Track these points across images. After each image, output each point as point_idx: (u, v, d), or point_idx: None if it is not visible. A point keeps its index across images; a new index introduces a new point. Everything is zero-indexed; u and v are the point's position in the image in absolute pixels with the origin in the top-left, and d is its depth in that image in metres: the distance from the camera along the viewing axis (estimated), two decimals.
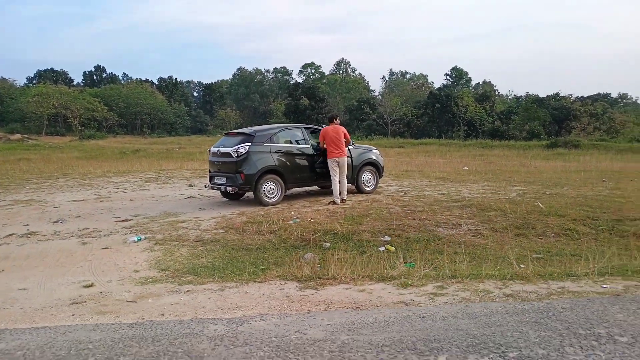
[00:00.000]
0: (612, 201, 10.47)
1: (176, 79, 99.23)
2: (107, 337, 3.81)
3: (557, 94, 63.57)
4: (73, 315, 4.50)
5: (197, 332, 3.89)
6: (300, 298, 4.85)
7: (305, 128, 11.80)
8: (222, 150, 10.94)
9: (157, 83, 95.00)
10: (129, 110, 77.33)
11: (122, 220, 9.53)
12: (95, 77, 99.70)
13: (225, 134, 12.49)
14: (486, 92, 70.83)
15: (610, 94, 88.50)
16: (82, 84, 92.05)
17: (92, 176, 17.87)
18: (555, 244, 7.85)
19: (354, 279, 5.47)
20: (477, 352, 3.36)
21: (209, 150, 11.66)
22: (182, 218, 9.62)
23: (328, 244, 7.65)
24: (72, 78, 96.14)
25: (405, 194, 11.85)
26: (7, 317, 4.48)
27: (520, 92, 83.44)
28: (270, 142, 10.80)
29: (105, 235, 8.33)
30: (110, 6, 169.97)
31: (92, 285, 5.59)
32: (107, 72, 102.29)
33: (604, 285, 5.02)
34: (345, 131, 10.91)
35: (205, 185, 11.94)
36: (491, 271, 5.71)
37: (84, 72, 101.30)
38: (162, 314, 4.43)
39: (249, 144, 10.55)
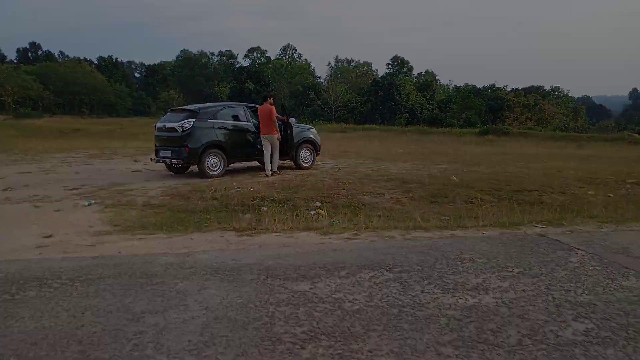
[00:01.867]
0: (517, 177, 11.96)
1: (117, 58, 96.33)
2: (74, 265, 4.63)
3: (493, 85, 67.00)
4: (40, 254, 5.25)
5: (151, 261, 4.77)
6: (238, 242, 5.79)
7: (247, 107, 12.64)
8: (168, 125, 11.60)
9: (96, 62, 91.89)
10: (66, 90, 74.68)
11: (71, 189, 10.07)
12: (30, 55, 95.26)
13: (170, 110, 13.12)
14: (427, 82, 73.50)
15: (543, 86, 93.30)
16: (15, 61, 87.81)
17: (34, 152, 17.94)
18: (461, 210, 9.13)
19: (285, 230, 6.46)
20: (370, 269, 4.44)
21: (155, 126, 12.28)
22: (129, 187, 10.26)
23: (265, 208, 8.56)
24: (5, 55, 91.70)
25: (339, 169, 12.94)
26: None
27: (460, 83, 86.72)
28: (213, 119, 11.57)
29: (56, 201, 8.90)
30: None
31: (51, 236, 6.28)
32: (43, 50, 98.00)
33: (484, 232, 6.25)
34: (274, 111, 11.79)
35: (151, 159, 12.58)
36: (399, 225, 6.85)
37: (18, 49, 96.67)
38: (119, 252, 5.26)
39: (194, 119, 11.28)
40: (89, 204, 8.55)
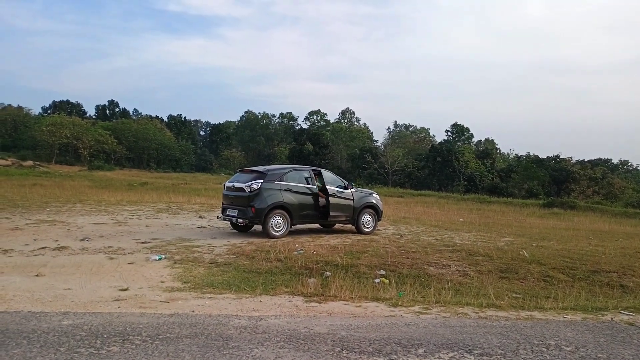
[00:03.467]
0: (593, 255, 11.37)
1: (185, 117, 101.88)
2: (152, 322, 4.72)
3: (558, 156, 65.23)
4: (119, 307, 5.40)
5: (224, 322, 4.80)
6: (307, 307, 5.75)
7: (311, 170, 12.91)
8: (237, 185, 11.97)
9: (166, 120, 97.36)
10: (137, 145, 79.14)
11: (142, 242, 10.44)
12: (107, 111, 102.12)
13: (239, 170, 13.54)
14: (487, 150, 72.70)
15: (611, 159, 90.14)
16: (94, 117, 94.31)
17: (107, 204, 18.85)
18: (533, 288, 8.73)
19: (352, 298, 6.37)
20: (449, 348, 4.27)
21: (224, 185, 12.69)
22: (196, 244, 10.52)
23: (329, 273, 8.53)
24: (86, 110, 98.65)
25: (401, 237, 12.78)
26: (64, 305, 5.38)
27: (521, 152, 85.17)
28: (280, 181, 11.85)
29: (129, 253, 9.23)
30: (125, 44, 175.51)
31: (127, 289, 6.48)
32: (120, 107, 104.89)
33: (566, 316, 5.91)
34: None
35: (217, 216, 12.90)
36: (471, 301, 6.61)
37: (97, 106, 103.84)
38: (193, 311, 5.33)
39: (262, 180, 11.59)
40: (160, 258, 8.81)
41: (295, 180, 12.26)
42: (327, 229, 13.68)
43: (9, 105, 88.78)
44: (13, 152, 65.60)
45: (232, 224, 12.58)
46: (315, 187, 12.40)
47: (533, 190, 52.95)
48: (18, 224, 12.35)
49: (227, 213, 12.12)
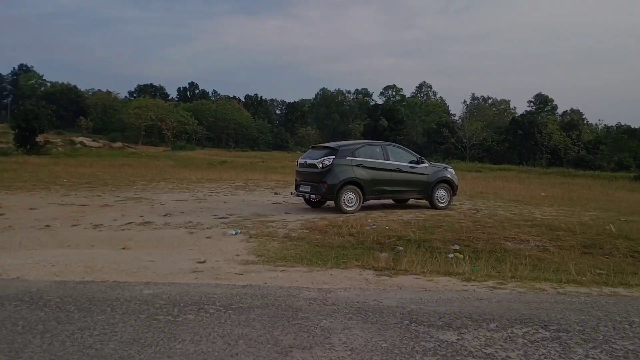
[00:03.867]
0: None
1: (261, 97, 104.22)
2: (226, 292, 4.92)
3: None
4: (196, 278, 5.67)
5: (295, 294, 4.91)
6: (377, 281, 5.75)
7: (385, 145, 12.77)
8: (309, 161, 12.10)
9: (243, 100, 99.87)
10: (216, 125, 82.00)
11: (220, 218, 10.86)
12: (188, 93, 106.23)
13: (312, 147, 13.66)
14: (573, 121, 68.52)
15: None
16: (176, 99, 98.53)
17: (188, 182, 19.76)
18: (620, 264, 8.19)
19: (424, 272, 6.29)
20: (523, 324, 4.12)
21: (297, 161, 12.88)
22: (270, 219, 10.79)
23: (401, 248, 8.45)
24: (168, 93, 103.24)
25: (477, 211, 12.41)
26: (146, 276, 5.73)
27: (611, 122, 79.44)
28: (352, 157, 11.83)
29: (207, 228, 9.64)
30: (206, 28, 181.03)
31: (204, 262, 6.79)
32: (199, 89, 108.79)
33: None
34: None
35: (291, 192, 13.16)
36: (549, 276, 6.32)
37: (179, 88, 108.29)
38: (265, 282, 5.50)
39: (333, 157, 11.64)
40: (236, 233, 9.12)
41: (367, 155, 12.19)
42: (401, 204, 13.54)
43: (99, 90, 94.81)
44: (104, 135, 70.24)
45: (305, 199, 12.76)
46: (387, 162, 12.28)
47: (624, 162, 49.34)
48: (108, 201, 13.25)
49: (301, 189, 12.33)
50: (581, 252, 8.69)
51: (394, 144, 13.61)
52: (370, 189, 11.94)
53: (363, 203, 11.98)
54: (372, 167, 12.04)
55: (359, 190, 11.74)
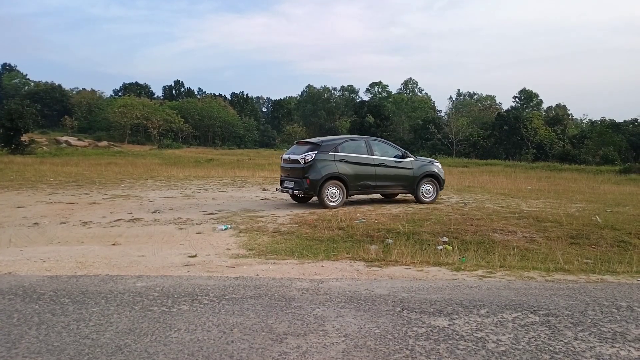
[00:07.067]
0: None
1: (247, 94, 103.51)
2: (219, 284, 4.95)
3: (636, 120, 61.18)
4: (188, 271, 5.69)
5: (287, 285, 4.94)
6: (368, 272, 5.81)
7: (369, 140, 12.81)
8: (292, 157, 12.14)
9: (229, 98, 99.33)
10: (202, 123, 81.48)
11: (209, 214, 10.85)
12: (174, 91, 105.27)
13: (296, 142, 13.67)
14: (558, 116, 69.22)
15: None
16: (162, 97, 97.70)
17: (176, 179, 19.66)
18: (606, 253, 8.35)
19: (414, 262, 6.37)
20: (512, 309, 4.20)
21: (282, 157, 12.90)
22: (260, 214, 10.80)
23: (390, 240, 8.53)
24: (154, 91, 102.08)
25: (465, 205, 12.53)
26: (138, 270, 5.73)
27: (596, 117, 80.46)
28: (335, 152, 11.87)
29: (197, 224, 9.63)
30: (191, 26, 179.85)
31: (195, 256, 6.79)
32: (185, 87, 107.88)
33: None
34: None
35: (276, 188, 13.15)
36: (538, 265, 6.43)
37: (164, 86, 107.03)
38: (257, 274, 5.53)
39: (316, 152, 11.67)
40: (226, 228, 9.13)
41: (350, 150, 12.20)
42: (389, 199, 13.60)
43: (84, 89, 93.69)
44: (89, 134, 69.47)
45: (291, 195, 12.77)
46: (371, 157, 12.31)
47: (608, 156, 49.99)
48: (96, 198, 13.16)
49: (285, 185, 12.33)
50: (568, 243, 8.84)
51: (378, 138, 13.66)
52: (354, 184, 11.97)
53: (347, 198, 12.02)
54: (355, 162, 12.06)
55: (342, 186, 11.77)
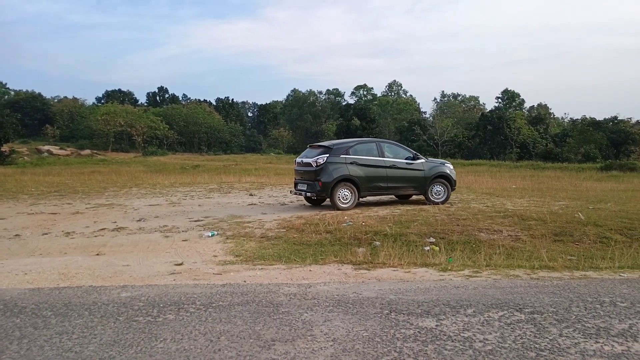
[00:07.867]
0: None
1: (232, 99, 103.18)
2: (205, 291, 4.91)
3: (616, 118, 62.04)
4: (174, 280, 5.64)
5: (274, 290, 4.92)
6: (356, 275, 5.81)
7: (380, 142, 12.93)
8: (305, 160, 12.32)
9: (214, 103, 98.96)
10: (187, 129, 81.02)
11: (195, 220, 10.78)
12: (158, 98, 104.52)
13: (309, 146, 13.75)
14: (540, 115, 70.04)
15: None
16: (146, 104, 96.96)
17: (161, 186, 19.51)
18: (589, 249, 8.45)
19: (401, 264, 6.38)
20: (499, 308, 4.23)
21: (295, 160, 13.08)
22: (247, 220, 10.76)
23: (378, 243, 8.55)
24: (137, 98, 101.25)
25: (451, 205, 12.60)
26: (122, 280, 5.67)
27: (577, 115, 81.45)
28: (346, 154, 12.01)
29: (183, 231, 9.56)
30: (174, 32, 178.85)
31: (181, 264, 6.74)
32: (169, 93, 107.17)
33: (622, 274, 5.71)
34: None
35: (290, 191, 13.31)
36: (523, 263, 6.48)
37: (148, 93, 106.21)
38: (244, 281, 5.50)
39: (327, 155, 11.81)
40: (212, 235, 9.08)
41: (361, 153, 12.36)
42: (403, 200, 13.60)
43: (65, 97, 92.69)
44: (71, 142, 68.70)
45: (305, 197, 12.95)
46: (382, 159, 12.41)
47: (590, 154, 50.71)
48: (79, 208, 13.00)
49: (298, 187, 12.60)
50: (552, 240, 8.93)
51: (389, 141, 13.87)
52: (366, 186, 12.10)
53: (359, 200, 12.10)
54: (367, 164, 12.19)
55: (353, 187, 11.90)
